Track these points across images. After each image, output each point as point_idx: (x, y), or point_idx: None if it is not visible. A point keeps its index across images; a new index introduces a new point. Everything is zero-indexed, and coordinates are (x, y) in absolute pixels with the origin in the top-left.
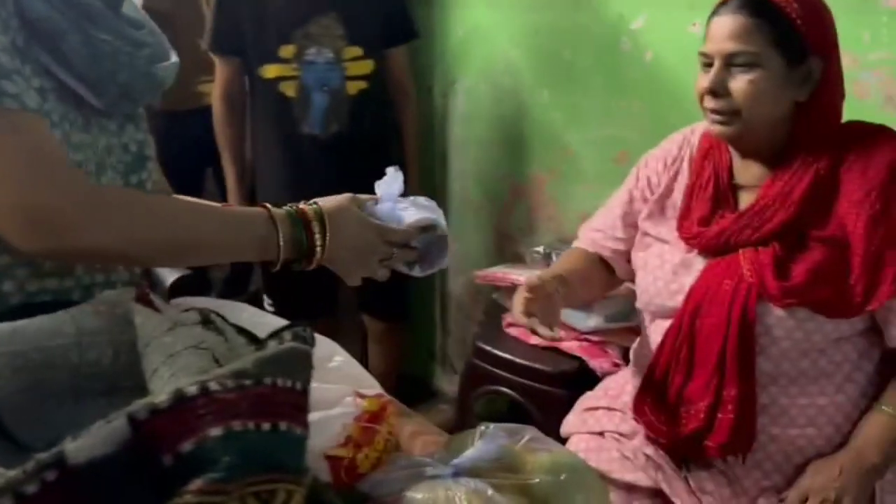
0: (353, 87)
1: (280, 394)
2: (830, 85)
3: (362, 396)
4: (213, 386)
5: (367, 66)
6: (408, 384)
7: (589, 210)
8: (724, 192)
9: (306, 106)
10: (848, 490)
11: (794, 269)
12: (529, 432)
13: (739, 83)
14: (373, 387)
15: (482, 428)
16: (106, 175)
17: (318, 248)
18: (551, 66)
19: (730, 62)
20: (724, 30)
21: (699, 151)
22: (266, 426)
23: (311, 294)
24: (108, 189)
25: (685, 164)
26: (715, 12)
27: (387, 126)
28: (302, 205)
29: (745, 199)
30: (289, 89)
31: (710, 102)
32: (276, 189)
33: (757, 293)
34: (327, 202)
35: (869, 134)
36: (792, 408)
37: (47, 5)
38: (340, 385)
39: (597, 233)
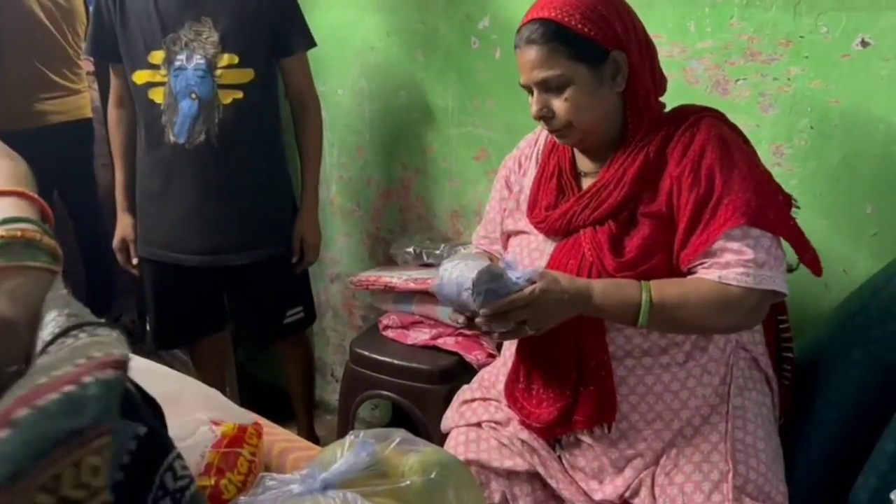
0: (227, 96)
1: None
2: (638, 68)
3: (218, 423)
4: None
5: (244, 76)
6: (289, 397)
7: (456, 207)
8: (568, 180)
9: (173, 113)
10: (552, 302)
11: (627, 244)
12: (398, 435)
13: (559, 103)
14: (231, 411)
15: (351, 437)
16: None
17: None
18: (406, 68)
19: (545, 87)
20: (528, 62)
21: (546, 147)
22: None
23: (196, 312)
24: None
25: (534, 161)
26: (516, 45)
27: (266, 137)
28: None
29: (588, 185)
30: (157, 95)
31: (544, 124)
32: (144, 195)
33: (598, 270)
34: None
35: (692, 116)
36: (647, 377)
37: None
38: (196, 415)
39: (483, 239)
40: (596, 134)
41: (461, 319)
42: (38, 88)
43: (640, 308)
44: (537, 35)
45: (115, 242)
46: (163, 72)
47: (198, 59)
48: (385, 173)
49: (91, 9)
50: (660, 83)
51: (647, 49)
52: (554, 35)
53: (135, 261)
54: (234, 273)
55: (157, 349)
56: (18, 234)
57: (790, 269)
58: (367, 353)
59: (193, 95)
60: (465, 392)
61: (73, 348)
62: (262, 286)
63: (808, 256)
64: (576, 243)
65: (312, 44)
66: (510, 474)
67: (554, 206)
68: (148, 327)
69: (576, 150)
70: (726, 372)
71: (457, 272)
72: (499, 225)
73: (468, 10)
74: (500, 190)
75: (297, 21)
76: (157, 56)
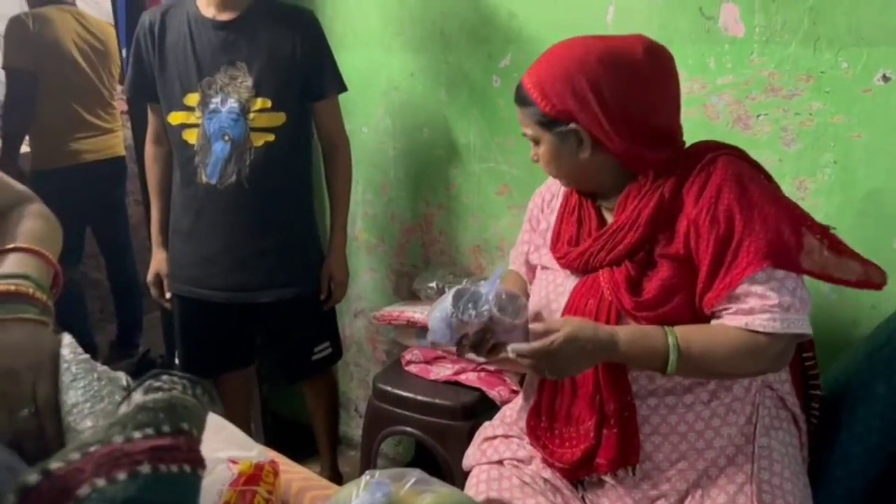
0: (259, 139)
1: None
2: (604, 139)
3: (235, 462)
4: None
5: (276, 119)
6: (313, 433)
7: (479, 242)
8: (588, 212)
9: (206, 154)
10: (574, 352)
11: (646, 285)
12: (414, 475)
13: (538, 156)
14: (250, 448)
15: (366, 477)
16: None
17: None
18: (429, 107)
19: (530, 140)
20: (519, 116)
21: None
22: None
23: (223, 347)
24: None
25: (560, 198)
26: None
27: (296, 179)
28: None
29: (609, 217)
30: (191, 136)
31: None
32: (175, 231)
33: (617, 310)
34: None
35: (709, 155)
36: (671, 416)
37: None
38: (216, 453)
39: (515, 264)
40: (587, 184)
41: (473, 353)
42: (73, 128)
43: (667, 357)
44: (517, 96)
45: (150, 277)
46: (197, 114)
47: (232, 103)
48: (409, 209)
49: (124, 52)
50: (660, 137)
51: (620, 117)
52: (523, 100)
53: (168, 295)
54: (261, 310)
55: (207, 375)
56: (12, 288)
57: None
58: (389, 388)
59: (226, 138)
60: (487, 429)
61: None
62: (289, 323)
63: (856, 281)
64: (595, 282)
65: (343, 88)
66: None
67: (575, 241)
68: (176, 360)
69: None
70: (752, 411)
71: (435, 313)
72: (525, 257)
73: (490, 50)
74: (527, 223)
75: (329, 66)
76: (193, 98)
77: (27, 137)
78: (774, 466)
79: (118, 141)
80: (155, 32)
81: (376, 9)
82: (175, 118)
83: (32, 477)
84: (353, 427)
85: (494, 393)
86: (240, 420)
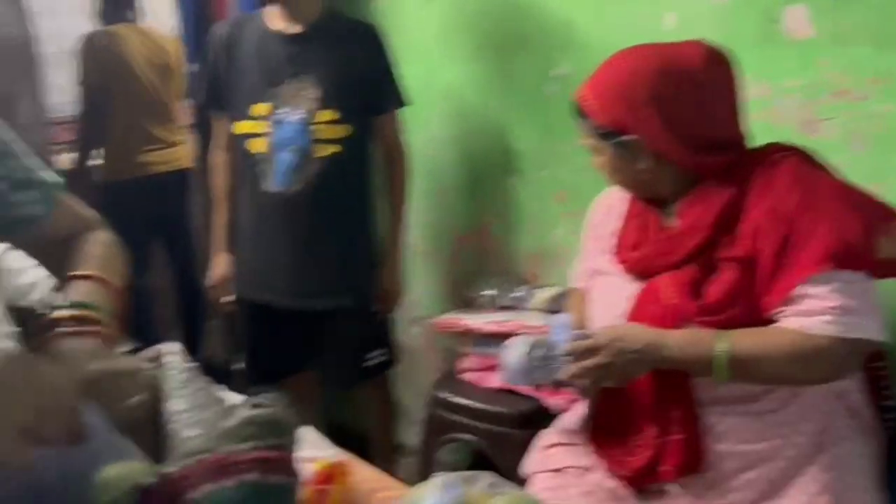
0: (323, 150)
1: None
2: (664, 150)
3: (312, 460)
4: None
5: (341, 131)
6: (366, 440)
7: (535, 250)
8: (652, 216)
9: (271, 163)
10: (621, 356)
11: (708, 289)
12: (486, 478)
13: (599, 165)
14: (325, 447)
15: (439, 478)
16: None
17: None
18: (485, 114)
19: (590, 150)
20: (578, 126)
21: None
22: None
23: (284, 351)
24: None
25: (625, 203)
26: None
27: (357, 189)
28: None
29: (672, 222)
30: (256, 146)
31: None
32: (238, 237)
33: (679, 315)
34: None
35: (774, 156)
36: (738, 424)
37: None
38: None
39: (581, 273)
40: (648, 192)
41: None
42: (141, 142)
43: (718, 361)
44: (574, 108)
45: (212, 280)
46: (264, 124)
47: (298, 114)
48: (464, 217)
49: (190, 66)
50: (722, 143)
51: (680, 128)
52: (581, 113)
53: (230, 299)
54: (319, 316)
55: (249, 385)
56: (78, 314)
57: None
58: (446, 396)
59: (292, 148)
60: (546, 437)
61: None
62: (345, 329)
63: None
64: (656, 287)
65: (405, 103)
66: None
67: (638, 245)
68: (239, 366)
69: None
70: (823, 420)
71: (509, 359)
72: (588, 268)
73: (546, 58)
74: (590, 229)
75: (392, 81)
76: (260, 109)
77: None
78: (847, 478)
79: (183, 153)
80: (225, 44)
81: (434, 19)
82: (241, 127)
83: (149, 479)
84: (410, 435)
85: (551, 401)
86: (305, 422)
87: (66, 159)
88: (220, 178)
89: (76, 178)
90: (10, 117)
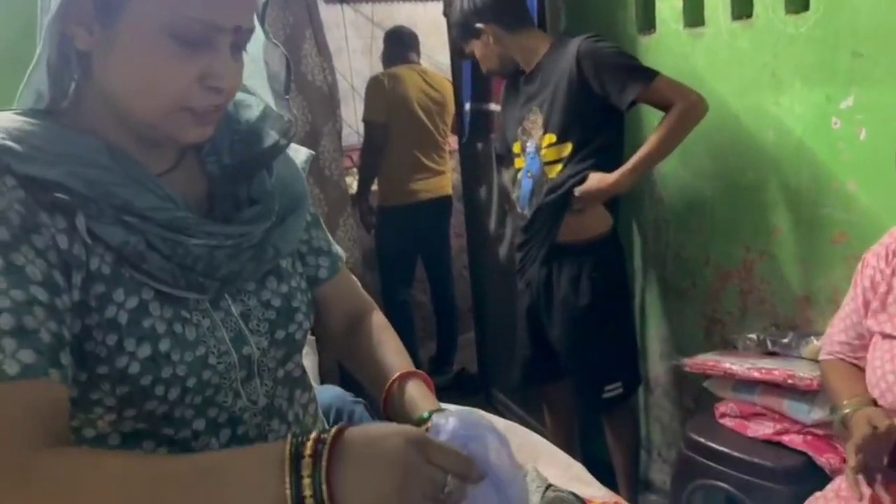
0: (552, 171)
1: None
2: None
3: (589, 500)
4: None
5: (563, 150)
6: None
7: (807, 293)
8: None
9: (519, 189)
10: None
11: None
12: None
13: None
14: (596, 486)
15: None
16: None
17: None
18: (755, 148)
19: None
20: None
21: None
22: None
23: (543, 358)
24: (44, 461)
25: None
26: None
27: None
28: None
29: None
30: (511, 176)
31: None
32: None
33: None
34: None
35: None
36: None
37: (123, 230)
38: (568, 485)
39: (842, 346)
40: None
41: None
42: (413, 171)
43: None
44: None
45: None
46: (521, 158)
47: (533, 143)
48: (726, 254)
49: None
50: None
51: None
52: None
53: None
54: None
55: (523, 386)
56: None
57: None
58: (703, 440)
59: (529, 174)
60: (818, 500)
61: None
62: (583, 348)
63: None
64: None
65: (651, 77)
66: None
67: None
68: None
69: None
70: None
71: None
72: (855, 329)
73: (829, 91)
74: (863, 290)
75: (622, 75)
76: (518, 146)
77: (376, 178)
78: None
79: (448, 182)
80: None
81: (702, 52)
82: (517, 163)
83: None
84: (655, 471)
85: (823, 460)
86: (565, 433)
87: (350, 183)
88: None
89: (357, 201)
90: (316, 150)
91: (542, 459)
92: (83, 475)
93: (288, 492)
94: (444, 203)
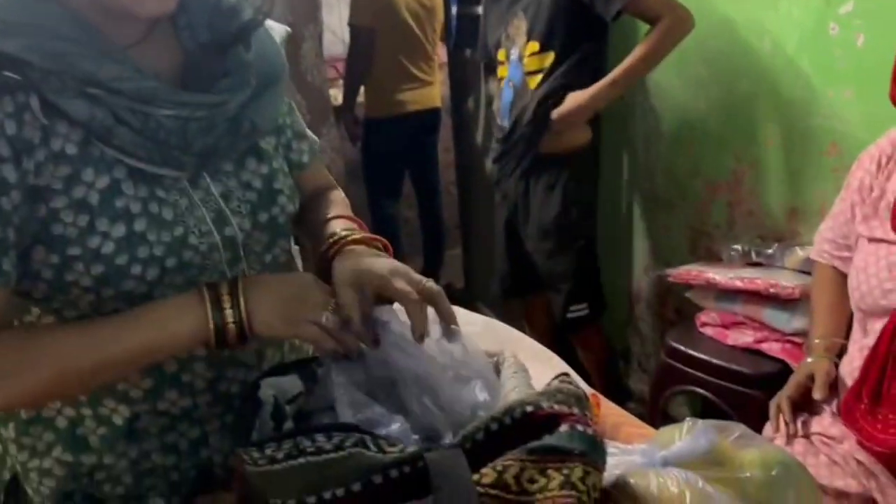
0: (533, 81)
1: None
2: None
3: None
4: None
5: (545, 60)
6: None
7: (796, 205)
8: None
9: (498, 99)
10: None
11: None
12: (738, 429)
13: None
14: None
15: (689, 423)
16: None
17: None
18: (751, 56)
19: None
20: None
21: None
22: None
23: (519, 271)
24: None
25: None
26: None
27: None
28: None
29: None
30: (494, 86)
31: None
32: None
33: None
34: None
35: None
36: None
37: (87, 104)
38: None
39: (828, 243)
40: None
41: None
42: (400, 80)
43: None
44: None
45: None
46: (505, 66)
47: (516, 50)
48: (715, 166)
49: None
50: None
51: None
52: None
53: None
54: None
55: (502, 298)
56: (358, 236)
57: None
58: (683, 347)
59: (511, 84)
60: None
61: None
62: (549, 263)
63: None
64: None
65: (613, 16)
66: (839, 495)
67: None
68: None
69: None
70: None
71: None
72: (844, 228)
73: None
74: (854, 191)
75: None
76: (502, 53)
77: (362, 88)
78: None
79: (437, 93)
80: None
81: None
82: (500, 71)
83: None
84: (635, 381)
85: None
86: (544, 341)
87: (335, 94)
88: None
89: (342, 113)
90: (296, 58)
91: (523, 354)
92: (19, 345)
93: (211, 326)
94: (432, 115)
